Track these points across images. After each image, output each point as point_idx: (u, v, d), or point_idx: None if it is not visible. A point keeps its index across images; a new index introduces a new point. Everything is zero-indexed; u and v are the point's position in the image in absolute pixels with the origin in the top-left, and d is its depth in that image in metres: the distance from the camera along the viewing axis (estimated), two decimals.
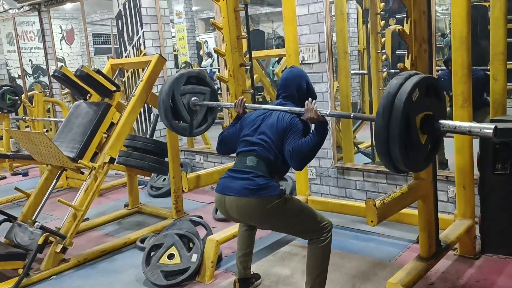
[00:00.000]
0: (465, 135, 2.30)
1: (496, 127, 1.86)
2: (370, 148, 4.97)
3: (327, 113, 2.36)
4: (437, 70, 8.01)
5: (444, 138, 4.12)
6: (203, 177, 3.37)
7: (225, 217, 2.65)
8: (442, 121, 2.01)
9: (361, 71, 6.57)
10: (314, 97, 2.60)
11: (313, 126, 2.38)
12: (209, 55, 11.49)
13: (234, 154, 2.63)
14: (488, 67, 3.31)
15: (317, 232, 2.48)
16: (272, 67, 7.51)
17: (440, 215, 2.95)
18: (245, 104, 2.75)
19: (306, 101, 2.36)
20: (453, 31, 2.90)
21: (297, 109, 2.44)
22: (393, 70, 5.88)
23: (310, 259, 2.52)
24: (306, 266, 2.55)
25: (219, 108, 3.35)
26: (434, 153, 2.18)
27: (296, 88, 2.59)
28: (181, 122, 3.19)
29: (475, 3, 6.20)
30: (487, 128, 1.87)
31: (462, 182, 3.10)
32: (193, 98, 3.14)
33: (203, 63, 11.25)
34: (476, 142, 3.09)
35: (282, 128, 2.43)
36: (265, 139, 2.45)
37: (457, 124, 1.98)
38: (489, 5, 3.79)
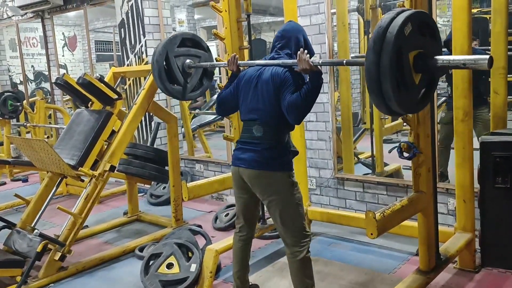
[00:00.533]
0: (459, 68, 2.25)
1: (491, 57, 1.81)
2: (371, 158, 4.97)
3: (320, 62, 2.30)
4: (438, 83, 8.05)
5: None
6: (203, 186, 3.36)
7: (237, 187, 2.66)
8: (436, 57, 1.94)
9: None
10: (311, 52, 2.52)
11: (307, 77, 2.35)
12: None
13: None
14: (489, 48, 3.32)
15: (299, 235, 2.48)
16: None
17: (440, 227, 2.95)
18: (238, 62, 2.71)
19: (298, 52, 2.29)
20: (454, 45, 2.91)
21: (290, 61, 2.40)
22: None
23: (293, 275, 2.53)
24: (292, 281, 2.55)
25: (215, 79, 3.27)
26: (430, 93, 2.10)
27: (293, 40, 2.54)
28: (176, 85, 3.14)
29: (475, 15, 6.23)
30: (482, 59, 1.82)
31: (462, 195, 3.10)
32: (187, 60, 3.10)
33: None
34: (476, 156, 3.09)
35: (277, 84, 2.40)
36: (264, 102, 2.44)
37: (451, 58, 1.93)
38: (489, 17, 3.80)
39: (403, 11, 1.92)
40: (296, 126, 2.57)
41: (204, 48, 3.18)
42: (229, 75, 2.76)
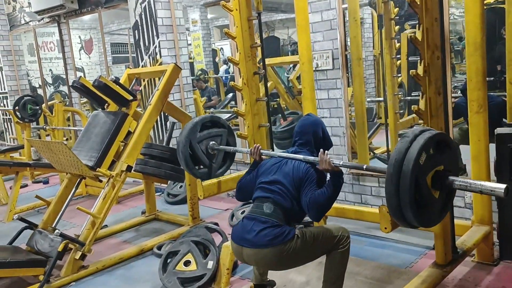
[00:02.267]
0: (475, 193, 2.24)
1: (507, 187, 1.84)
2: (386, 153, 4.95)
3: (340, 163, 2.38)
4: (456, 75, 7.94)
5: (461, 146, 4.12)
6: (219, 185, 3.40)
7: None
8: (452, 178, 1.98)
9: (376, 99, 6.54)
10: (329, 143, 2.68)
11: (328, 175, 2.42)
12: (225, 61, 11.59)
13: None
14: (505, 94, 3.30)
15: (336, 245, 2.50)
16: (287, 74, 7.53)
17: (456, 221, 2.93)
18: (261, 151, 2.81)
19: (320, 152, 2.39)
20: (467, 37, 2.88)
21: (312, 158, 2.47)
22: (409, 98, 5.86)
23: (328, 264, 2.54)
24: (324, 272, 2.56)
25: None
26: (449, 205, 2.16)
27: (312, 135, 2.65)
28: (202, 167, 3.27)
29: (493, 5, 6.13)
30: (499, 188, 1.85)
31: None
32: (211, 143, 3.21)
33: (220, 70, 11.31)
34: (492, 148, 3.06)
35: (298, 177, 2.47)
36: (281, 187, 2.49)
37: (468, 183, 1.94)
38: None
39: (415, 137, 1.94)
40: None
41: (223, 125, 3.30)
42: (252, 162, 2.88)
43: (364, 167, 2.36)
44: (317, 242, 2.47)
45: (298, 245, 2.39)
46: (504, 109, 3.31)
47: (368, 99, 6.44)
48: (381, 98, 5.47)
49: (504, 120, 3.55)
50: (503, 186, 1.84)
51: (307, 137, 2.65)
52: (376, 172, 2.32)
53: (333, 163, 2.35)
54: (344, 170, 4.13)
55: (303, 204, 2.42)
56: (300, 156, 2.52)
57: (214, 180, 3.43)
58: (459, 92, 4.52)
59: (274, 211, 2.44)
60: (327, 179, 2.46)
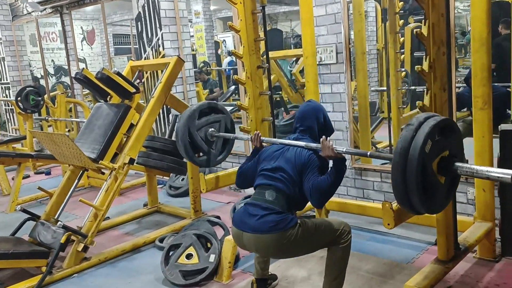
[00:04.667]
0: (483, 179, 2.23)
1: None
2: (389, 148, 4.94)
3: (343, 150, 2.35)
4: (459, 70, 7.90)
5: (464, 140, 4.11)
6: (221, 178, 3.40)
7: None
8: (458, 164, 1.99)
9: (380, 88, 6.53)
10: (331, 129, 2.65)
11: (331, 162, 2.39)
12: (229, 53, 11.54)
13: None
14: (510, 84, 3.27)
15: (337, 239, 2.50)
16: (290, 67, 7.50)
17: (459, 217, 2.92)
18: (261, 138, 2.79)
19: (321, 139, 2.36)
20: (472, 33, 2.87)
21: (314, 145, 2.45)
22: (413, 87, 5.82)
23: (329, 260, 2.54)
24: (325, 267, 2.56)
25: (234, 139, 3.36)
26: (454, 189, 2.17)
27: (314, 121, 2.62)
28: (201, 154, 3.26)
29: (498, 0, 6.08)
30: (506, 174, 1.85)
31: (481, 184, 3.06)
32: (210, 130, 3.20)
33: (224, 62, 11.26)
34: (496, 143, 3.05)
35: (300, 164, 2.45)
36: (283, 174, 2.47)
37: (475, 169, 1.95)
38: None
39: (420, 124, 1.94)
40: None
41: (222, 111, 3.28)
42: (252, 149, 2.85)
43: (368, 153, 2.35)
44: (318, 233, 2.46)
45: (299, 234, 2.38)
46: (508, 99, 3.28)
47: (372, 88, 6.43)
48: (385, 88, 5.46)
49: (508, 111, 3.53)
50: (510, 172, 1.84)
51: (308, 123, 2.62)
52: (380, 158, 2.32)
53: (335, 150, 2.32)
54: (346, 163, 4.18)
55: (305, 191, 2.39)
56: (302, 143, 2.49)
57: (217, 174, 3.43)
58: (463, 80, 4.48)
59: (276, 199, 2.43)
60: (329, 167, 2.42)
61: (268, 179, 2.51)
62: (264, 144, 2.79)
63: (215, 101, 3.52)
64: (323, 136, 2.37)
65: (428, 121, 1.96)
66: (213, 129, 3.21)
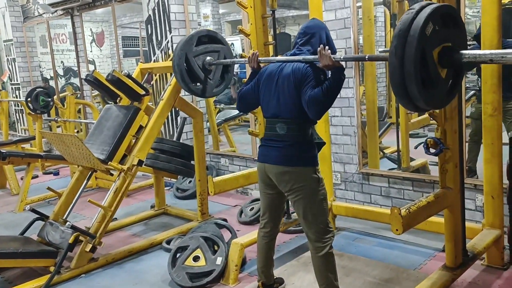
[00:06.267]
0: (487, 63, 2.08)
1: None
2: (396, 153, 4.93)
3: (341, 57, 2.26)
4: (466, 76, 7.85)
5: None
6: (229, 181, 3.41)
7: (263, 183, 2.68)
8: (462, 51, 1.88)
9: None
10: (333, 50, 2.49)
11: (329, 74, 2.33)
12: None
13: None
14: None
15: (321, 231, 2.50)
16: None
17: (467, 223, 2.92)
18: (259, 58, 2.70)
19: (319, 48, 2.26)
20: (483, 39, 2.86)
21: (311, 57, 2.37)
22: None
23: (316, 270, 2.56)
24: (315, 276, 2.57)
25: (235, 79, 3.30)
26: (457, 86, 2.06)
27: (316, 36, 2.51)
28: (199, 83, 3.17)
29: (507, 6, 6.06)
30: (510, 53, 1.76)
31: (490, 191, 3.05)
32: (207, 58, 3.11)
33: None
34: (505, 150, 3.04)
35: (298, 78, 2.39)
36: (285, 98, 2.44)
37: (477, 53, 1.87)
38: None
39: (422, 8, 1.85)
40: (321, 120, 2.57)
41: (221, 41, 3.20)
42: (250, 72, 2.77)
43: (367, 57, 2.27)
44: (322, 204, 2.50)
45: (314, 184, 2.46)
46: None
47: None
48: None
49: None
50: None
51: (309, 37, 2.52)
52: (379, 59, 2.20)
53: (333, 58, 2.25)
54: (354, 168, 4.19)
55: (303, 103, 2.36)
56: (299, 57, 2.44)
57: (224, 177, 3.45)
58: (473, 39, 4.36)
59: (287, 130, 2.46)
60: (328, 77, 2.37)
61: (274, 109, 2.50)
62: (261, 64, 2.70)
63: (214, 31, 3.40)
64: (321, 45, 2.29)
65: (430, 5, 1.85)
66: (211, 58, 3.12)
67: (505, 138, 3.05)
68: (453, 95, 2.10)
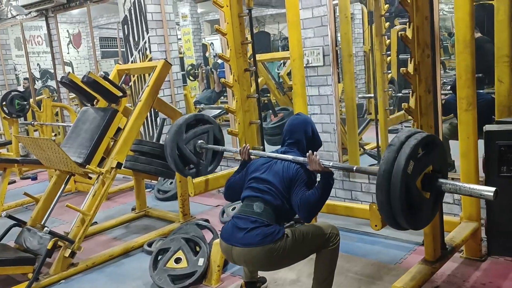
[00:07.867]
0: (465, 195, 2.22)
1: (496, 190, 1.86)
2: (376, 149, 4.98)
3: (330, 165, 2.35)
4: (447, 71, 7.97)
5: (450, 141, 4.15)
6: (210, 181, 3.40)
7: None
8: (442, 180, 2.01)
9: (367, 95, 6.60)
10: (319, 143, 2.69)
11: (319, 175, 2.40)
12: (218, 56, 11.47)
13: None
14: (494, 91, 3.34)
15: (325, 243, 2.51)
16: (278, 70, 7.52)
17: (445, 217, 2.95)
18: (250, 151, 2.79)
19: (308, 153, 2.37)
20: (456, 35, 2.90)
21: (301, 159, 2.46)
22: (400, 94, 5.88)
23: (318, 262, 2.55)
24: (314, 269, 2.57)
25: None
26: (439, 203, 2.19)
27: (302, 134, 2.64)
28: (192, 166, 3.26)
29: (482, 2, 6.17)
30: (488, 191, 1.87)
31: None
32: (199, 141, 3.20)
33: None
34: (481, 144, 3.09)
35: (288, 177, 2.46)
36: (270, 186, 2.48)
37: (458, 186, 1.97)
38: None
39: (402, 145, 1.94)
40: None
41: (208, 121, 3.30)
42: (240, 163, 2.83)
43: (354, 168, 2.33)
44: (307, 240, 2.47)
45: (288, 244, 2.38)
46: (494, 106, 3.34)
47: (359, 95, 6.48)
48: (372, 95, 5.50)
49: (493, 117, 3.58)
50: (492, 189, 1.87)
51: (297, 136, 2.64)
52: (367, 173, 2.32)
53: (322, 164, 2.33)
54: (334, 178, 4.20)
55: (293, 205, 2.42)
56: (290, 157, 2.51)
57: (205, 178, 3.43)
58: (449, 88, 4.55)
59: (264, 211, 2.43)
60: (317, 180, 2.45)
61: (255, 191, 2.51)
62: (252, 157, 2.79)
63: (201, 114, 3.50)
64: (310, 151, 2.38)
65: (409, 141, 1.96)
66: (202, 140, 3.20)
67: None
68: (437, 210, 2.22)
